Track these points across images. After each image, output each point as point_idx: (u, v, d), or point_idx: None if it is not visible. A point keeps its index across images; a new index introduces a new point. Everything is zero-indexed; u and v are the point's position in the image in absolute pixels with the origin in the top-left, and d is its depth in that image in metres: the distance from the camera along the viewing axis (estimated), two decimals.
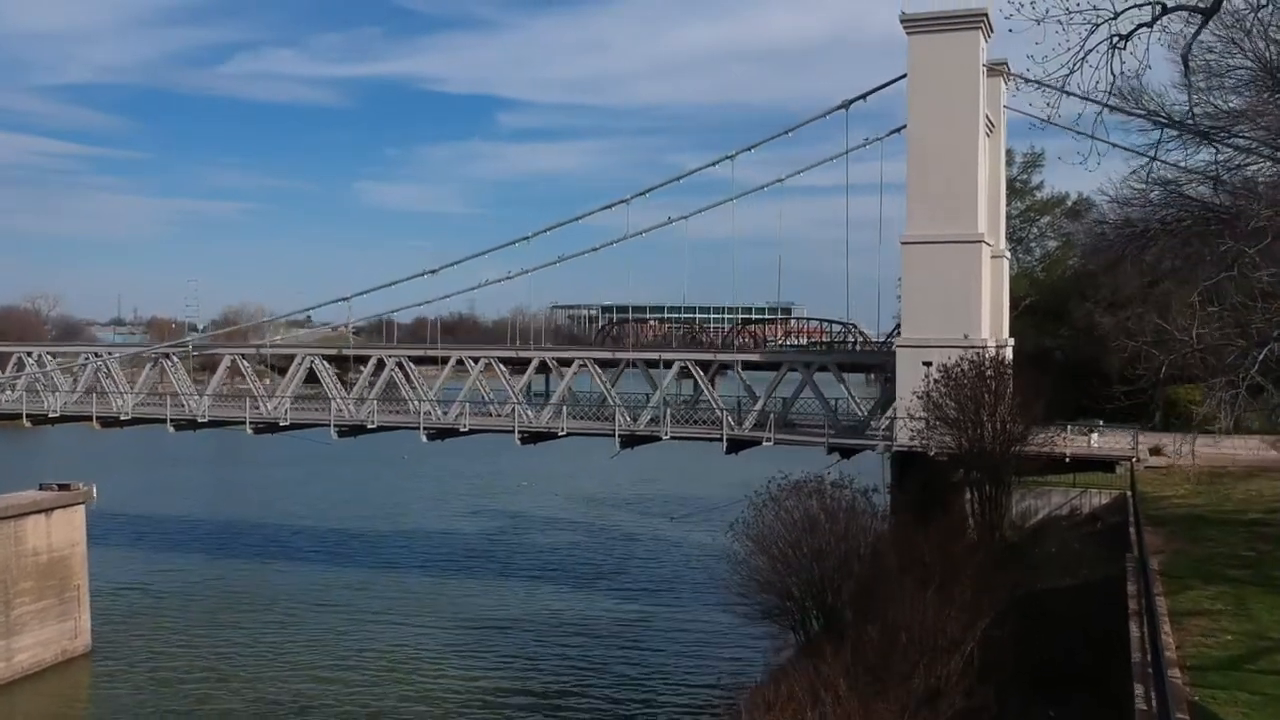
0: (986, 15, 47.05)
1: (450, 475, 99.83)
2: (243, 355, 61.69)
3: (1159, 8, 15.46)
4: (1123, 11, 15.48)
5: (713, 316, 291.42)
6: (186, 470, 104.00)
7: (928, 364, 45.03)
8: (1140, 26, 15.70)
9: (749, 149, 52.44)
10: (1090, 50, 15.57)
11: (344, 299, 57.46)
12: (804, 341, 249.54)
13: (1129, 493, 40.27)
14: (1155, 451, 45.31)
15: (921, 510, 42.81)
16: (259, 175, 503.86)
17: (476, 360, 56.44)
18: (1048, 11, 15.43)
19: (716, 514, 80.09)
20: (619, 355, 56.23)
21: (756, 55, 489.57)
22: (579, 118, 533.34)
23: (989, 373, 40.32)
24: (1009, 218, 63.38)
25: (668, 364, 54.45)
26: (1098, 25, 15.35)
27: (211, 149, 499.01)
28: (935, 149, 47.16)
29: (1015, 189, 64.51)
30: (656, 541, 74.36)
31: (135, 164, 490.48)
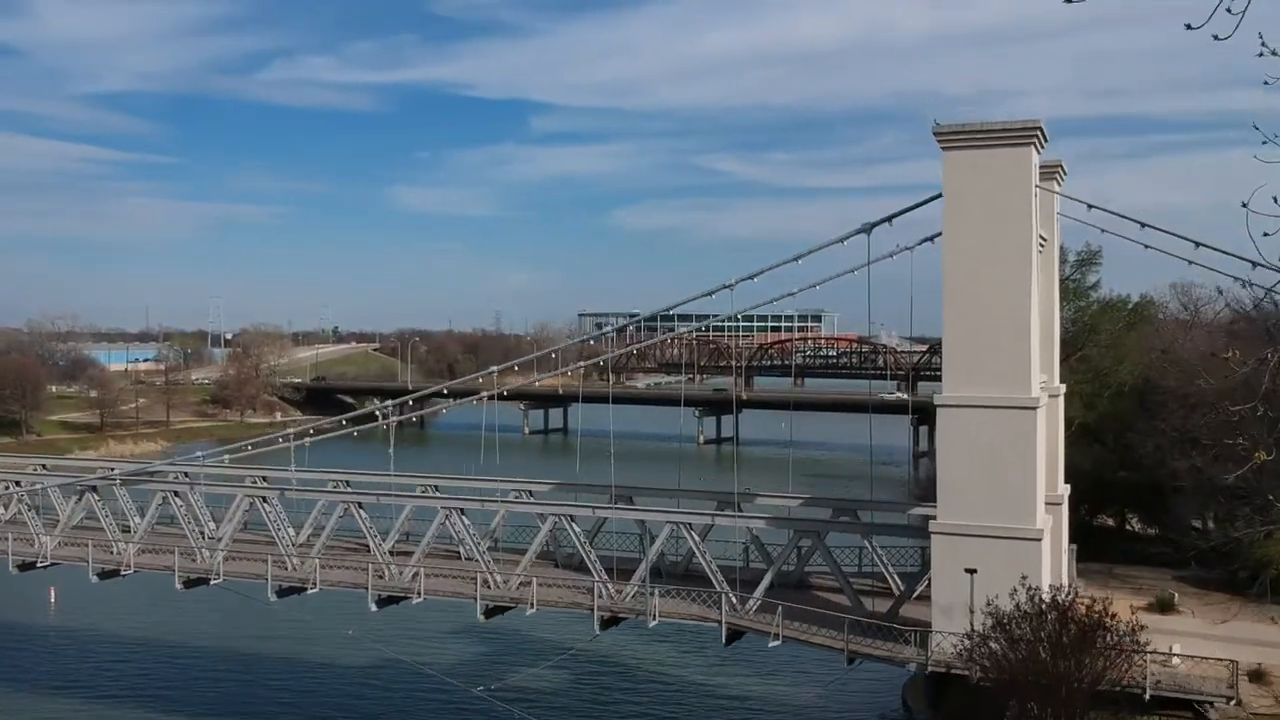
0: (1040, 128, 37.80)
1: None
2: (175, 493, 54.08)
3: None
4: None
5: (741, 324, 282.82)
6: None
7: (971, 571, 36.10)
8: None
9: (749, 275, 43.99)
10: None
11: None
12: (833, 353, 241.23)
13: None
14: (1256, 678, 36.15)
15: None
16: (291, 179, 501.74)
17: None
18: None
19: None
20: (600, 512, 48.03)
21: (782, 58, 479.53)
22: (608, 121, 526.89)
23: (1052, 629, 31.39)
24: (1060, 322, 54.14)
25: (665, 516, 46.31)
26: None
27: (245, 154, 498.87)
28: (978, 294, 38.08)
29: (1067, 290, 55.03)
30: None
31: (169, 169, 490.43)
